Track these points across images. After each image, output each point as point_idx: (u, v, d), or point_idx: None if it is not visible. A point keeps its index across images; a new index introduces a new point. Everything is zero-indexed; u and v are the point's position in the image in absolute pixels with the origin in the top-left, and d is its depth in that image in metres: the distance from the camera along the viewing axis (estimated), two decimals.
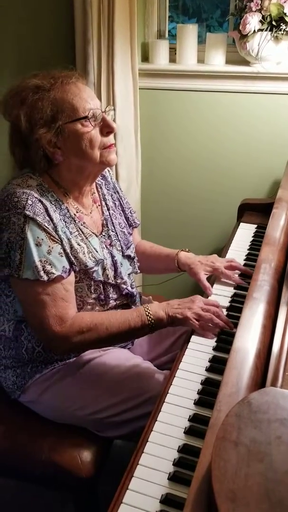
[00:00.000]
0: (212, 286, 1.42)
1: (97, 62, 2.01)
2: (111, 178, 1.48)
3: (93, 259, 1.27)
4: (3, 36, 2.21)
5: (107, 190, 1.45)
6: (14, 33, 2.20)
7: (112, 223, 1.39)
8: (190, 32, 2.05)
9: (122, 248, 1.39)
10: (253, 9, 1.86)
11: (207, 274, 1.44)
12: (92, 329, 1.19)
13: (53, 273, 1.16)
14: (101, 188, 1.43)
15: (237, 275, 1.44)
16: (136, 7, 1.95)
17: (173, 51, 2.15)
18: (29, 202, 1.16)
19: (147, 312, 1.21)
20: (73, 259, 1.23)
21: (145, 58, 2.22)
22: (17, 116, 1.19)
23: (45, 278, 1.15)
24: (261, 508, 0.63)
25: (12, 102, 1.21)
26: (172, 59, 2.16)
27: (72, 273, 1.23)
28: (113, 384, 1.24)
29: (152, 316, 1.21)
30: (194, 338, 1.23)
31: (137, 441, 0.95)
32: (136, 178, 2.19)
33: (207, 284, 1.41)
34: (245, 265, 1.55)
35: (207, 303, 1.25)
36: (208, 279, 1.45)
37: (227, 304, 1.36)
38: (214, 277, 1.47)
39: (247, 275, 1.45)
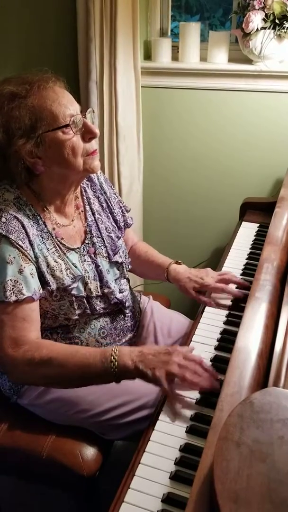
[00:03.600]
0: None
1: (99, 60, 2.00)
2: (97, 179, 1.40)
3: (71, 275, 1.21)
4: (4, 35, 2.20)
5: (93, 192, 1.38)
6: (16, 32, 2.19)
7: (98, 228, 1.33)
8: (192, 30, 2.04)
9: (108, 254, 1.32)
10: (256, 7, 1.86)
11: (195, 291, 1.38)
12: (45, 363, 1.08)
13: (23, 294, 1.12)
14: (85, 191, 1.36)
15: (233, 287, 1.37)
16: (139, 5, 1.94)
17: (175, 49, 2.14)
18: (3, 219, 1.13)
19: (112, 357, 1.05)
20: (49, 278, 1.18)
21: (148, 56, 2.21)
22: None
23: (13, 298, 1.10)
24: (264, 509, 0.63)
25: None
26: (175, 57, 2.16)
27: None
28: (112, 387, 1.18)
29: (117, 363, 1.05)
30: (196, 337, 1.23)
31: (139, 440, 0.95)
32: (138, 177, 2.19)
33: (204, 298, 1.36)
34: (247, 264, 1.55)
35: (187, 357, 1.05)
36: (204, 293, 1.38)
37: (229, 303, 1.36)
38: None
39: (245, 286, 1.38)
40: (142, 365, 1.04)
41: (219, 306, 1.35)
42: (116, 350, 1.07)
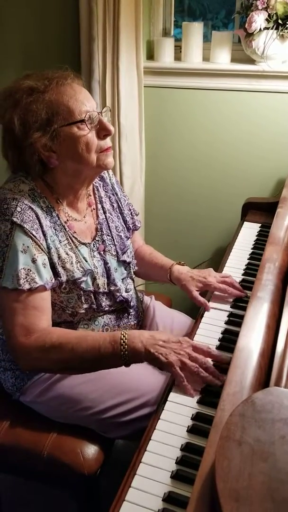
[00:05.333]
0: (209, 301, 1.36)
1: (102, 60, 2.00)
2: (109, 179, 1.43)
3: (81, 269, 1.23)
4: (8, 34, 2.21)
5: (105, 192, 1.41)
6: (19, 31, 2.19)
7: (108, 226, 1.35)
8: (195, 30, 2.04)
9: (117, 253, 1.35)
10: (259, 7, 1.86)
11: (198, 290, 1.37)
12: (56, 347, 1.11)
13: (36, 283, 1.13)
14: (98, 190, 1.38)
15: (232, 289, 1.36)
16: (142, 4, 1.94)
17: (178, 49, 2.14)
18: (18, 209, 1.14)
19: (122, 341, 1.08)
20: (60, 270, 1.19)
21: (150, 56, 2.21)
22: (11, 119, 1.15)
23: (26, 286, 1.12)
24: (265, 508, 0.63)
25: (5, 104, 1.17)
26: (177, 57, 2.16)
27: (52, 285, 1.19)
28: (115, 385, 1.22)
29: (126, 346, 1.08)
30: (197, 337, 1.23)
31: (139, 440, 0.95)
32: (140, 176, 2.19)
33: (203, 300, 1.35)
34: (248, 264, 1.55)
35: (196, 349, 1.10)
36: (204, 295, 1.38)
37: (230, 302, 1.36)
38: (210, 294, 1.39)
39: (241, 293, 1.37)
40: (153, 349, 1.07)
41: (222, 297, 1.37)
42: (126, 333, 1.10)
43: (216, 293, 1.38)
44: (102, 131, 1.20)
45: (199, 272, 1.42)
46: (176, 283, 1.45)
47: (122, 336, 1.09)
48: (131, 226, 1.46)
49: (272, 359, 0.98)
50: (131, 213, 1.48)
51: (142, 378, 1.24)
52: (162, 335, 1.11)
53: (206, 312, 1.32)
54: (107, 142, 1.22)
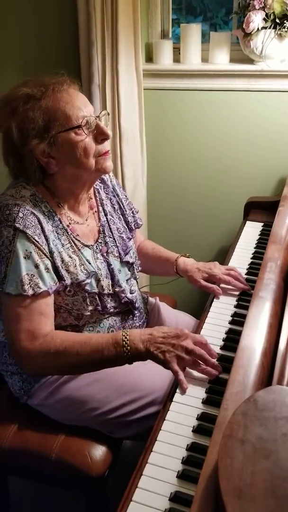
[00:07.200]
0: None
1: (101, 63, 2.01)
2: (110, 181, 1.45)
3: (85, 271, 1.24)
4: (7, 38, 2.22)
5: (106, 194, 1.42)
6: (18, 35, 2.21)
7: (110, 229, 1.37)
8: (193, 31, 2.05)
9: (120, 254, 1.36)
10: (257, 7, 1.86)
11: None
12: (60, 352, 1.13)
13: (40, 288, 1.15)
14: (98, 192, 1.40)
15: (236, 282, 1.40)
16: (139, 7, 1.95)
17: (177, 51, 2.15)
18: (20, 214, 1.16)
19: (124, 342, 1.11)
20: (63, 273, 1.21)
21: (149, 58, 2.22)
22: (9, 127, 1.18)
23: (30, 292, 1.13)
24: (267, 505, 0.64)
25: (2, 112, 1.19)
26: (176, 59, 2.16)
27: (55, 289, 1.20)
28: (121, 385, 1.23)
29: (129, 347, 1.11)
30: None
31: (146, 440, 0.96)
32: (142, 178, 2.20)
33: (212, 285, 1.38)
34: (251, 263, 1.55)
35: (195, 341, 1.12)
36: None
37: (234, 302, 1.36)
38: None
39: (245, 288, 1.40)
40: (152, 347, 1.10)
41: (226, 294, 1.38)
42: (127, 334, 1.12)
43: (222, 285, 1.41)
44: (100, 136, 1.21)
45: (204, 264, 1.46)
46: (182, 275, 1.48)
47: (124, 337, 1.12)
48: (133, 225, 1.47)
49: (275, 358, 0.99)
50: (132, 212, 1.49)
51: (147, 377, 1.25)
52: (160, 332, 1.13)
53: (210, 313, 1.33)
54: (105, 146, 1.23)
